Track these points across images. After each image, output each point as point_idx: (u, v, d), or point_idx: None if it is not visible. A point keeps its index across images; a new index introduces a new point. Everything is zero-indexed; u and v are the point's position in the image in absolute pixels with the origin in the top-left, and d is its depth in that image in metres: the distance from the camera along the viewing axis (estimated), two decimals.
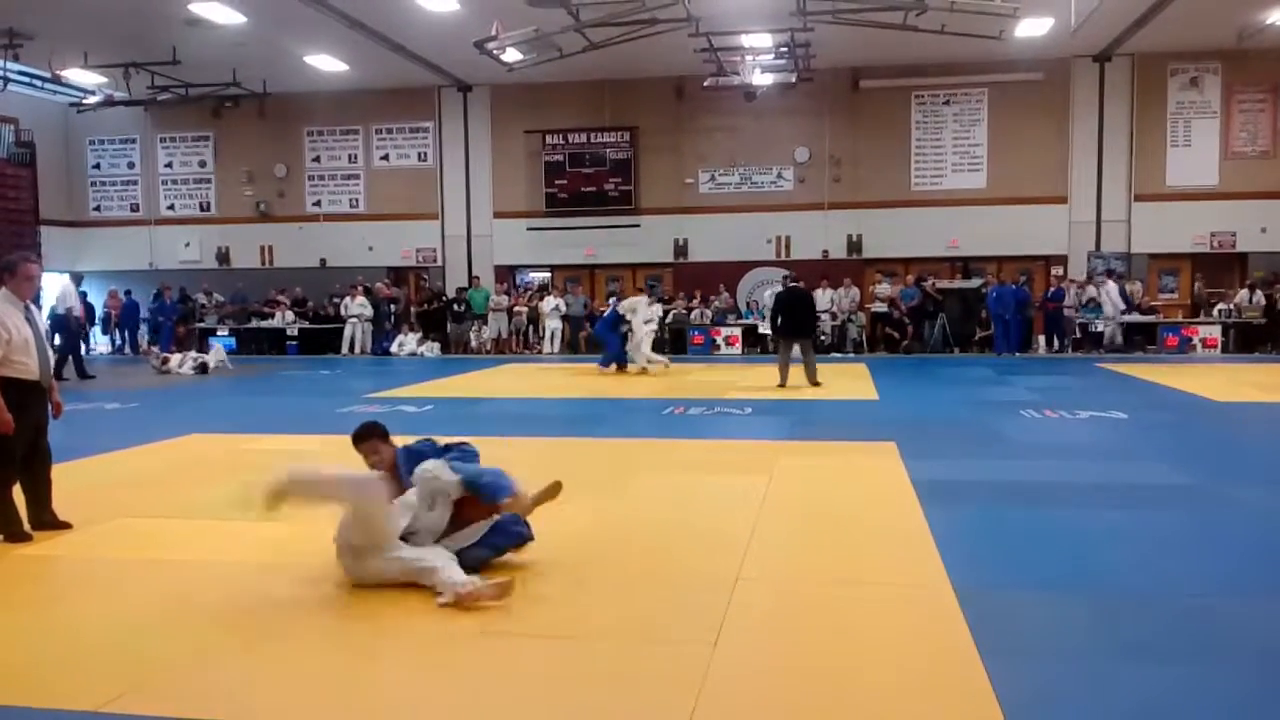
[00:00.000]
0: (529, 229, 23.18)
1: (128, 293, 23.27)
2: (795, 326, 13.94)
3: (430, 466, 4.91)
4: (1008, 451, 8.52)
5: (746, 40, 17.76)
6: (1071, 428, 9.86)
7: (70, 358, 16.71)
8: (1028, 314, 20.14)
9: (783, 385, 13.50)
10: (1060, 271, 21.00)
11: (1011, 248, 21.48)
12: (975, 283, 20.76)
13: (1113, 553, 5.31)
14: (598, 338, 17.49)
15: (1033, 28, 17.67)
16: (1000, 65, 20.56)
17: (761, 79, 18.77)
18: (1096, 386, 13.80)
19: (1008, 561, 5.20)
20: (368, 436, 5.11)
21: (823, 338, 20.42)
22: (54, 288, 22.41)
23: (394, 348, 21.48)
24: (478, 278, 22.97)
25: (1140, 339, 20.06)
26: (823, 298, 20.76)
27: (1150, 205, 21.14)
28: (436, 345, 21.71)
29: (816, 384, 13.58)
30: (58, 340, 22.87)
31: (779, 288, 21.34)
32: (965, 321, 20.50)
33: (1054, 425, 10.04)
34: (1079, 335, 20.18)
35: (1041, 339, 20.62)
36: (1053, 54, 20.25)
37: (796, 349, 13.95)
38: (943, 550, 5.24)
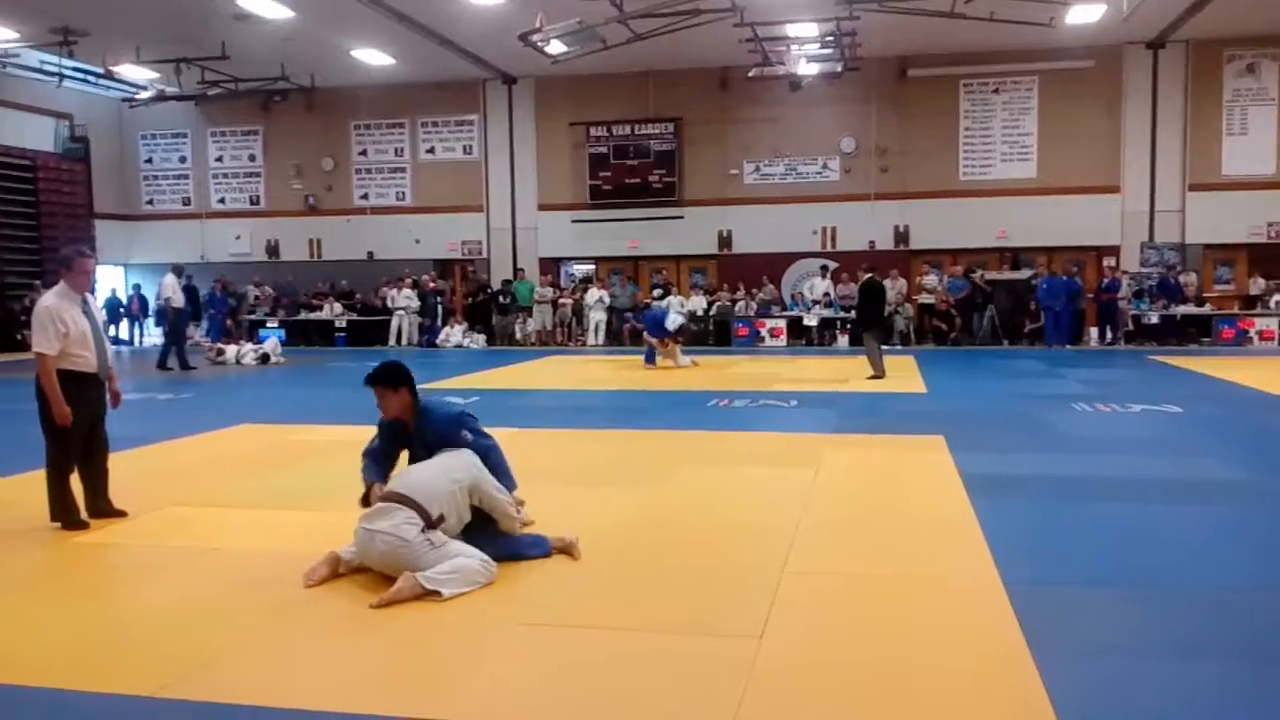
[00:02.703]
0: (573, 221, 23.22)
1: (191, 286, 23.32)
2: (858, 317, 14.14)
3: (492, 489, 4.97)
4: (1059, 445, 8.39)
5: (792, 30, 17.64)
6: (1124, 422, 9.70)
7: (172, 348, 16.85)
8: (1079, 305, 19.83)
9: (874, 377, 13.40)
10: (1112, 262, 20.62)
11: (1062, 238, 21.16)
12: (1025, 274, 20.47)
13: (1166, 548, 5.22)
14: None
15: (1084, 14, 17.33)
16: (1051, 53, 20.23)
17: (807, 69, 18.64)
18: (1150, 380, 13.55)
19: (1059, 557, 5.12)
20: (372, 382, 5.13)
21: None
22: (107, 282, 22.86)
23: (440, 339, 21.64)
24: (522, 270, 23.07)
25: (1194, 331, 19.70)
26: None
27: (1205, 195, 20.73)
28: (481, 337, 21.84)
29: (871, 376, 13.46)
30: (143, 330, 23.40)
31: (818, 279, 21.34)
32: (1015, 313, 20.23)
33: (1106, 419, 9.88)
34: (1132, 327, 19.86)
35: (1094, 331, 20.30)
36: (1105, 41, 19.89)
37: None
38: (993, 545, 5.17)
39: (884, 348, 14.04)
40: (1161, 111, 20.82)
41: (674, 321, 15.92)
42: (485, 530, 4.92)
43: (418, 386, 5.19)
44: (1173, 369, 14.96)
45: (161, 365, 16.58)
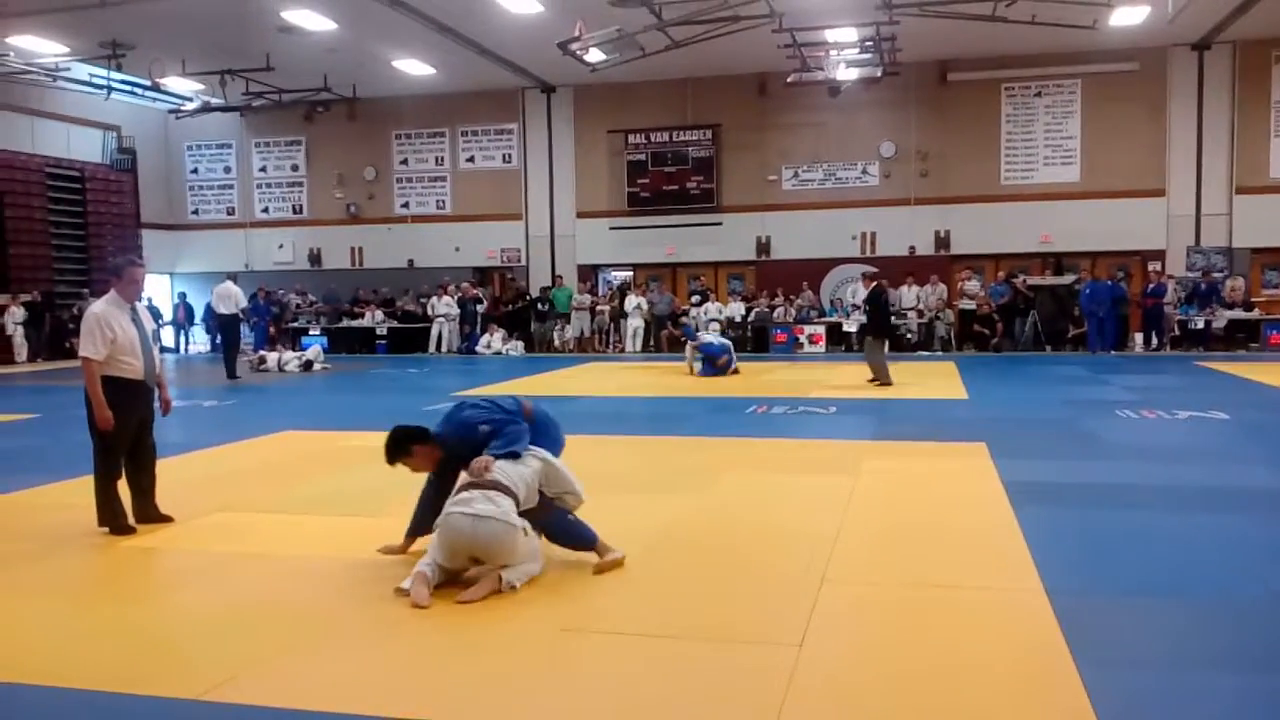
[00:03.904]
0: (611, 228, 23.28)
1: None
2: (871, 325, 14.44)
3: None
4: (1103, 453, 8.28)
5: (831, 35, 17.56)
6: (1170, 428, 9.55)
7: (224, 355, 16.85)
8: (1123, 311, 19.55)
9: (875, 382, 13.50)
10: (1158, 266, 20.33)
11: (1106, 243, 20.86)
12: (1068, 279, 20.24)
13: (1214, 558, 5.13)
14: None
15: (1128, 16, 17.12)
16: (1094, 55, 20.00)
17: (846, 74, 18.53)
18: (1196, 386, 13.34)
19: (1104, 566, 5.05)
20: (391, 460, 5.17)
21: (909, 336, 20.15)
22: (150, 291, 23.04)
23: (480, 346, 21.77)
24: (561, 277, 23.15)
25: (1243, 337, 19.35)
26: (908, 295, 20.54)
27: (1253, 198, 20.35)
28: (520, 344, 21.95)
29: (871, 382, 13.57)
30: (188, 338, 23.56)
31: (860, 284, 21.25)
32: (1058, 319, 19.99)
33: (1152, 426, 9.73)
34: (1177, 332, 19.55)
35: (1138, 336, 20.01)
36: (1149, 43, 19.63)
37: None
38: (1036, 554, 5.12)
39: (925, 354, 14.03)
40: (1207, 113, 20.49)
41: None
42: (542, 510, 5.01)
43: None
44: (1219, 375, 14.71)
45: (231, 374, 16.40)
